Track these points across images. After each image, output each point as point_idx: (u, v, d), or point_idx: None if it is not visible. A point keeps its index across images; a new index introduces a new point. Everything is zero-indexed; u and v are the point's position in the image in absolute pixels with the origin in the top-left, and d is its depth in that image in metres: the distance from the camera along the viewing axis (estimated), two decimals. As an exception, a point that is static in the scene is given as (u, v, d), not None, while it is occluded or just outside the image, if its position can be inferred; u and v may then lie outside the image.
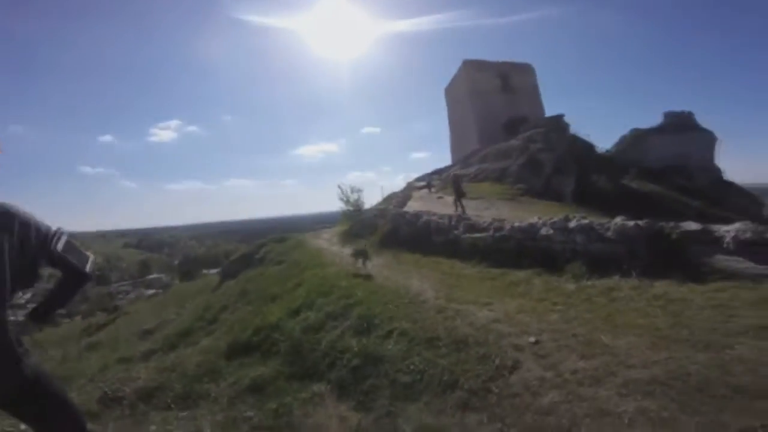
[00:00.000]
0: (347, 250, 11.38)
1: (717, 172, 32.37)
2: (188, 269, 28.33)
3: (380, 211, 14.91)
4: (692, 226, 5.60)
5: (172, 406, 3.99)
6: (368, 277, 7.34)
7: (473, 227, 8.47)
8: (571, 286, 5.76)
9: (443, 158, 39.21)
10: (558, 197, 22.84)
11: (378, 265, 8.99)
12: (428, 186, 23.97)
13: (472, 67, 34.55)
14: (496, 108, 32.94)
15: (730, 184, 31.31)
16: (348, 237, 13.48)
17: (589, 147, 31.08)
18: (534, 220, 7.46)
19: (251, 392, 4.08)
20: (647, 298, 4.89)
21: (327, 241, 13.64)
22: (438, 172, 32.48)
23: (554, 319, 4.70)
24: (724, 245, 5.22)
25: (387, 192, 23.86)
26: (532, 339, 4.14)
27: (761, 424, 2.32)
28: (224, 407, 3.83)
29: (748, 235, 5.12)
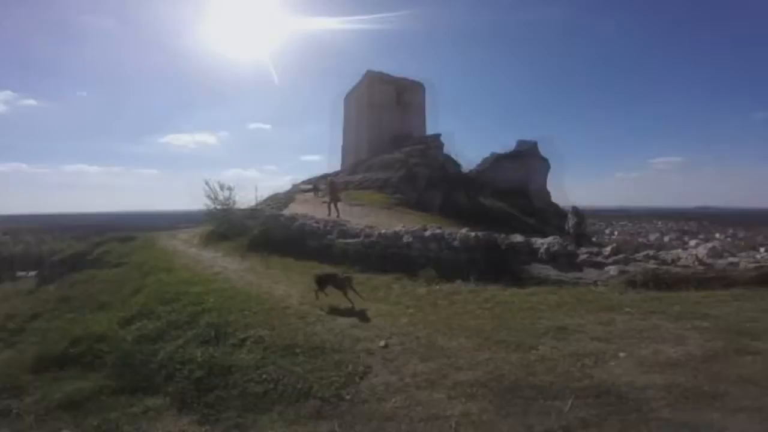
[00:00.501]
0: (207, 253, 10.44)
1: (548, 194, 39.67)
2: (-6, 270, 22.35)
3: (252, 211, 14.08)
4: (518, 238, 6.70)
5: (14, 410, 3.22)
6: (363, 316, 5.24)
7: (346, 233, 8.67)
8: (422, 290, 6.30)
9: (335, 163, 39.47)
10: (428, 209, 25.03)
11: (242, 269, 8.49)
12: (315, 189, 23.66)
13: (373, 79, 35.57)
14: (388, 121, 34.53)
15: (556, 205, 38.67)
16: (211, 238, 12.38)
17: (457, 165, 34.92)
18: (398, 228, 7.99)
19: (66, 408, 3.52)
20: (479, 301, 5.60)
21: (185, 243, 12.28)
22: (327, 177, 32.49)
23: (404, 322, 5.01)
24: (540, 255, 6.39)
25: (266, 192, 22.62)
26: (382, 343, 4.33)
27: (560, 425, 2.65)
28: (32, 425, 3.22)
29: (556, 247, 6.37)
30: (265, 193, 22.31)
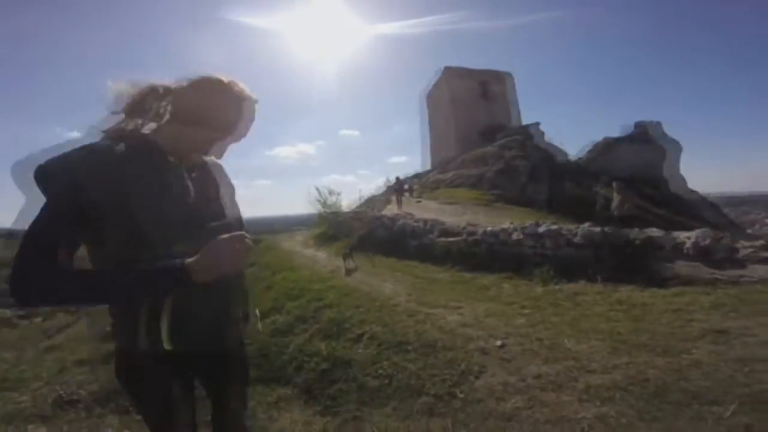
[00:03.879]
0: (322, 253, 11.31)
1: (682, 181, 33.89)
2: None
3: (357, 214, 14.89)
4: (655, 232, 5.81)
5: (131, 409, 3.86)
6: (350, 271, 8.25)
7: (447, 232, 8.55)
8: (539, 290, 5.87)
9: (422, 163, 39.99)
10: (532, 204, 23.44)
11: (351, 268, 8.96)
12: (399, 191, 23.82)
13: (452, 74, 35.18)
14: (474, 115, 33.68)
15: (694, 193, 32.83)
16: (323, 239, 13.39)
17: (561, 155, 32.04)
18: (506, 225, 7.59)
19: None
20: (611, 303, 5.02)
21: (301, 244, 13.48)
22: (418, 176, 32.99)
23: (521, 323, 4.74)
24: (684, 251, 5.44)
25: (365, 195, 23.86)
26: (498, 343, 4.16)
27: (718, 430, 2.34)
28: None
29: (706, 241, 5.36)
30: (364, 196, 23.53)
